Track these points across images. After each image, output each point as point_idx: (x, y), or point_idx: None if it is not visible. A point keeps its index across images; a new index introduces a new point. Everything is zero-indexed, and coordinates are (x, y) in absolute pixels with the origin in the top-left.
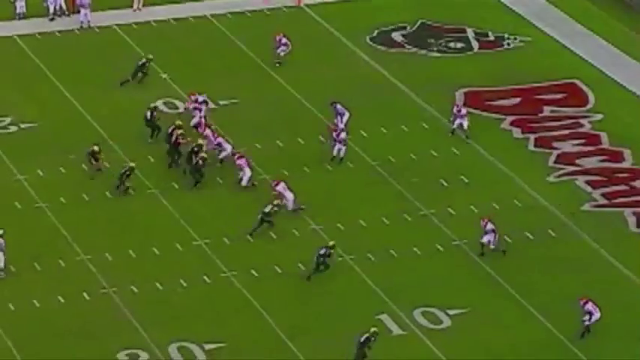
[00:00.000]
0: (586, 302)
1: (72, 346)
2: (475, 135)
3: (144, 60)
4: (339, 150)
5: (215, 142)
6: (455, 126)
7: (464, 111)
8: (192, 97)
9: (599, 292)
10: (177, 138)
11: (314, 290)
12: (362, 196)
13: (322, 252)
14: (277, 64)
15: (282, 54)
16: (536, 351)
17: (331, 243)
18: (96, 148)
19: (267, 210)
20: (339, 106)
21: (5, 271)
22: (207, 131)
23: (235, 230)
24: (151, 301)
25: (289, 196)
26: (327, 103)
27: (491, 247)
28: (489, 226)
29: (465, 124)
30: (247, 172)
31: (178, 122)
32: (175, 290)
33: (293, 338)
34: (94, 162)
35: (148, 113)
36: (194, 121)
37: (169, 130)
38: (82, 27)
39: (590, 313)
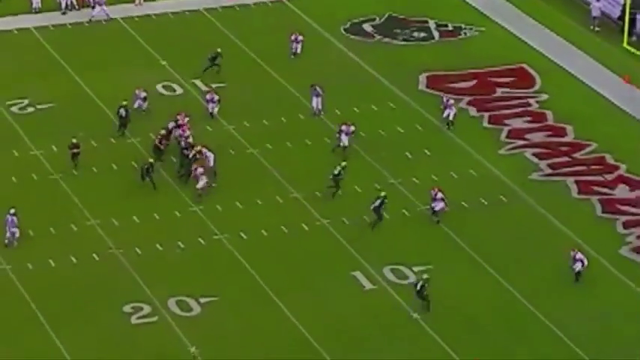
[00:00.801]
0: (576, 253)
1: (83, 300)
2: (436, 113)
3: (215, 53)
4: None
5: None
6: (444, 116)
7: (451, 102)
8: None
9: (545, 251)
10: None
11: (296, 251)
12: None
13: (377, 203)
14: (292, 56)
15: (298, 50)
16: (488, 301)
17: (383, 194)
18: (74, 140)
19: None
20: (317, 88)
21: (19, 240)
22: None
23: (226, 198)
24: (152, 260)
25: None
26: (306, 86)
27: (437, 212)
28: (439, 195)
29: (452, 115)
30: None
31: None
32: (174, 251)
33: (279, 294)
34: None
35: (122, 111)
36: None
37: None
38: (103, 20)
39: (582, 261)
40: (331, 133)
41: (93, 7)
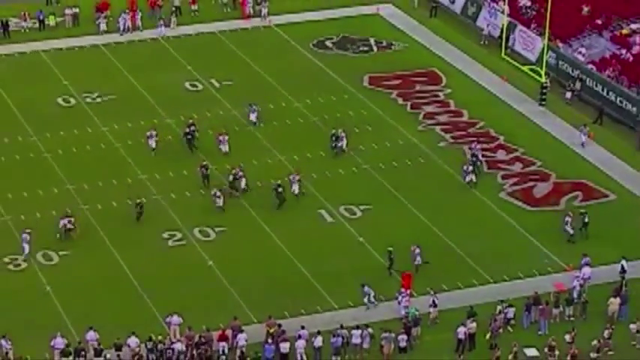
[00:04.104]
0: (567, 215)
1: (137, 230)
2: (375, 101)
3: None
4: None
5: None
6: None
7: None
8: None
9: (449, 195)
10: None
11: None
12: (307, 139)
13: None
14: None
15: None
16: (416, 234)
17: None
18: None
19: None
20: (254, 106)
21: (29, 257)
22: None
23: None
24: (183, 202)
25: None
26: (287, 83)
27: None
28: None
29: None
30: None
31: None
32: (197, 198)
33: (272, 228)
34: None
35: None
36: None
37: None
38: (149, 39)
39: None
40: (302, 116)
41: (140, 31)
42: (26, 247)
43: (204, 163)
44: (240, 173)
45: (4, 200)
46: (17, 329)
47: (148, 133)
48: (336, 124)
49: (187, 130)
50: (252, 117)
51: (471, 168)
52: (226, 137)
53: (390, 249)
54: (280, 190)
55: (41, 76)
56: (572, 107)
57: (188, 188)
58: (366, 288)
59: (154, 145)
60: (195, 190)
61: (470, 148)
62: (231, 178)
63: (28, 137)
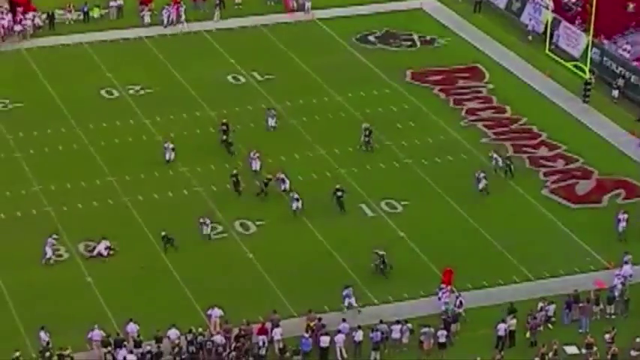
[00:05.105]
0: (621, 212)
1: (185, 224)
2: (417, 96)
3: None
4: None
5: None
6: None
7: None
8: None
9: (491, 193)
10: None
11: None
12: (349, 133)
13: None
14: None
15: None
16: (457, 230)
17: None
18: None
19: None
20: (272, 111)
21: (50, 260)
22: None
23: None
24: (224, 195)
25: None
26: (330, 77)
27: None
28: None
29: None
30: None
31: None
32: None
33: (313, 222)
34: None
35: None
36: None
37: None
38: (193, 32)
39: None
40: (344, 109)
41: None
42: (49, 251)
43: (235, 172)
44: (282, 176)
45: (46, 191)
46: (58, 320)
47: (165, 145)
48: (377, 119)
49: (222, 128)
50: (271, 122)
51: (483, 174)
52: (257, 154)
53: (383, 253)
54: (340, 194)
55: (85, 68)
56: (616, 104)
57: (229, 181)
58: (345, 291)
59: (171, 157)
60: (244, 177)
61: (495, 152)
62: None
63: (71, 129)
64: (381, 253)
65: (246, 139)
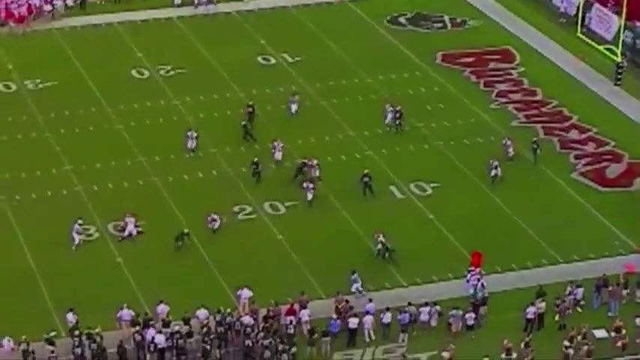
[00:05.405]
0: (494, 161)
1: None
2: (448, 78)
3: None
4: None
5: None
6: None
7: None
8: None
9: (521, 176)
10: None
11: (353, 173)
12: (378, 115)
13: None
14: None
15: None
16: (486, 212)
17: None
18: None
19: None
20: (295, 97)
21: (79, 245)
22: None
23: (302, 133)
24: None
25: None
26: (360, 59)
27: None
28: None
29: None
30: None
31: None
32: (268, 171)
33: (342, 203)
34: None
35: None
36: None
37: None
38: (223, 13)
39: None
40: (373, 91)
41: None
42: (76, 237)
43: (256, 160)
44: (315, 162)
45: (77, 171)
46: (87, 300)
47: (189, 133)
48: (406, 100)
49: (248, 110)
50: (294, 108)
51: (496, 163)
52: (282, 144)
53: (382, 239)
54: (367, 180)
55: (116, 49)
56: None
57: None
58: (353, 276)
59: (192, 146)
60: (266, 164)
61: (508, 138)
62: (300, 164)
63: (102, 109)
64: (381, 239)
65: (277, 121)
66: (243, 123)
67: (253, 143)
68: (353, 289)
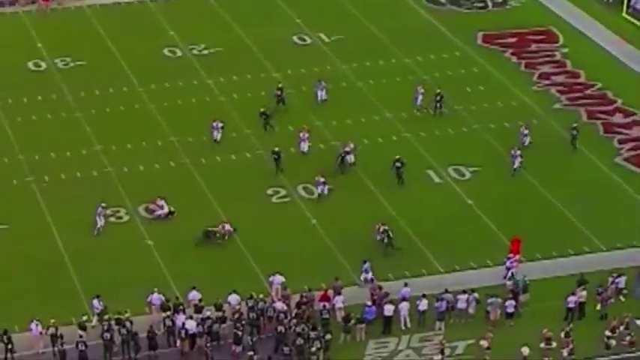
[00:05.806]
0: (516, 150)
1: (248, 182)
2: (488, 59)
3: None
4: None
5: None
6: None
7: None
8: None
9: (563, 160)
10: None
11: (386, 159)
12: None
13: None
14: None
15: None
16: (525, 198)
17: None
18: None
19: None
20: (322, 83)
21: (100, 229)
22: None
23: (338, 115)
24: (289, 160)
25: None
26: (398, 39)
27: None
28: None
29: None
30: None
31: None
32: (297, 156)
33: (378, 188)
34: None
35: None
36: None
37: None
38: None
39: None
40: (411, 72)
41: None
42: (99, 220)
43: (277, 149)
44: (352, 146)
45: (108, 151)
46: (117, 283)
47: (214, 124)
48: (446, 83)
49: (276, 92)
50: (321, 95)
51: (518, 152)
52: (307, 134)
53: (386, 227)
54: (400, 165)
55: (147, 27)
56: None
57: (293, 144)
58: (365, 265)
59: (218, 138)
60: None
61: (525, 127)
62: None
63: (133, 88)
64: (384, 228)
65: (312, 103)
66: (262, 110)
67: (287, 124)
68: (362, 278)
